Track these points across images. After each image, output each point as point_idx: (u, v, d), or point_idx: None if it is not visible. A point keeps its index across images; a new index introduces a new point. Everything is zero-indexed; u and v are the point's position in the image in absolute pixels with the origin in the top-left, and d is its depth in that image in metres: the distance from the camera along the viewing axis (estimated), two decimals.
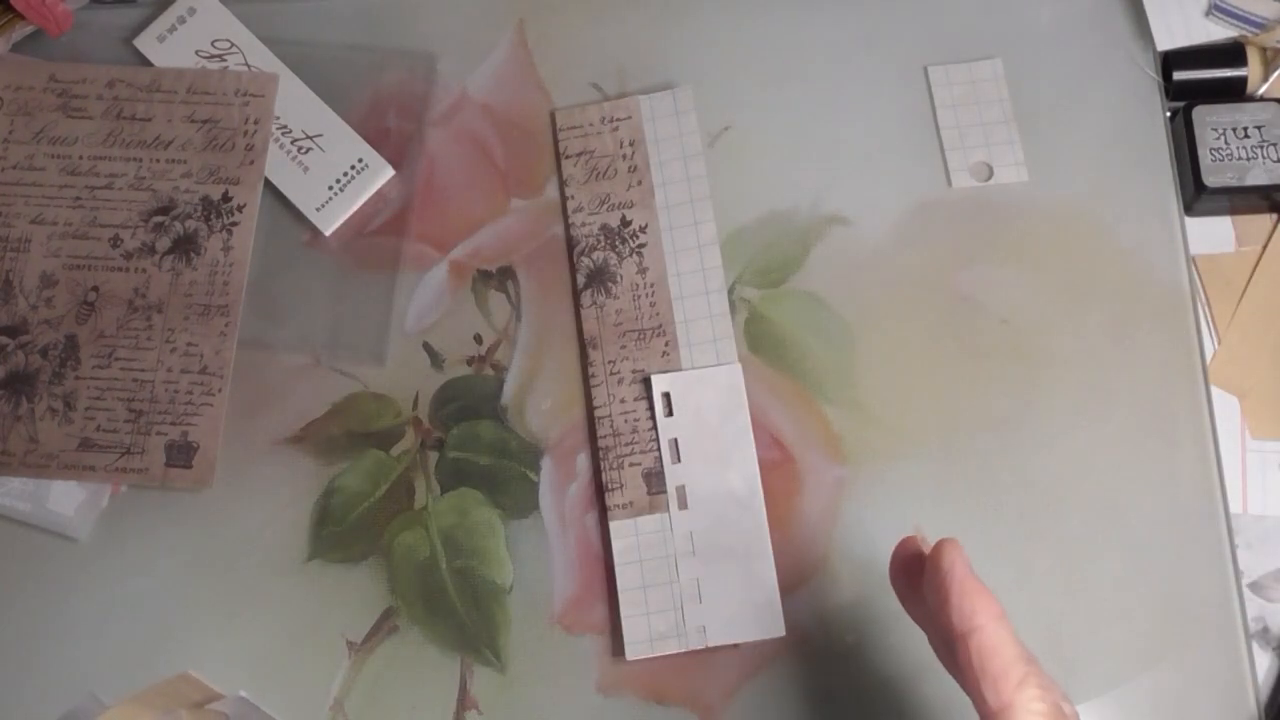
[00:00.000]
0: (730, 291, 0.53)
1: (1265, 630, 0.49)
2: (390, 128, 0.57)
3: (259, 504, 0.51)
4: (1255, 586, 0.50)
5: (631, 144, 0.55)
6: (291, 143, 0.56)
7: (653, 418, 0.51)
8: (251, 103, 0.56)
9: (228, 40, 0.57)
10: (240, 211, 0.55)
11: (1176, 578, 0.49)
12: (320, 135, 0.56)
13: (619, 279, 0.53)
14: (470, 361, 0.53)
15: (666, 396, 0.51)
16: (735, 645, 0.49)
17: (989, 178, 0.55)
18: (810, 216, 0.54)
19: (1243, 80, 0.55)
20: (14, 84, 0.56)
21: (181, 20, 0.57)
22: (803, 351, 0.53)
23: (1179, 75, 0.56)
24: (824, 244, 0.54)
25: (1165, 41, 0.56)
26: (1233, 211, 0.55)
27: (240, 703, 0.42)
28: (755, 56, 0.57)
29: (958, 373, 0.52)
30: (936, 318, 0.53)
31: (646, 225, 0.54)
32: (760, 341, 0.53)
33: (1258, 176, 0.53)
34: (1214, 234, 0.55)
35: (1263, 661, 0.49)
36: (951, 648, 0.36)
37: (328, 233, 0.55)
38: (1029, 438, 0.51)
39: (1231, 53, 0.56)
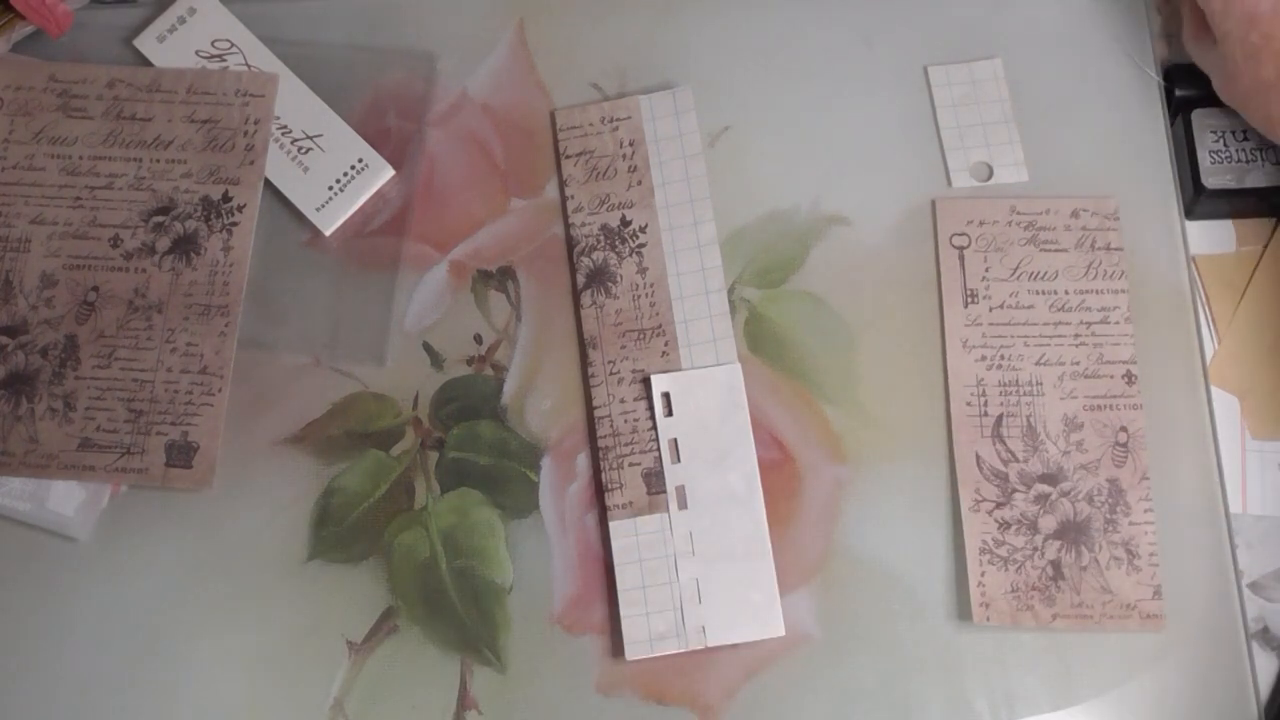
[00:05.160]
0: (730, 291, 0.53)
1: (1265, 630, 0.49)
2: (390, 128, 0.57)
3: (259, 504, 0.51)
4: (1255, 586, 0.50)
5: (631, 144, 0.55)
6: (291, 143, 0.56)
7: (652, 418, 0.51)
8: (251, 103, 0.56)
9: (228, 40, 0.57)
10: (240, 211, 0.55)
11: (1176, 578, 0.49)
12: (320, 135, 0.56)
13: (619, 279, 0.53)
14: (470, 361, 0.53)
15: (666, 396, 0.51)
16: (735, 645, 0.49)
17: (989, 178, 0.55)
18: (810, 216, 0.54)
19: None
20: (14, 84, 0.56)
21: (181, 20, 0.57)
22: (803, 351, 0.53)
23: (1178, 77, 0.56)
24: (824, 244, 0.54)
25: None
26: (1232, 214, 0.54)
27: None
28: (755, 56, 0.57)
29: None
30: (936, 317, 0.53)
31: (646, 225, 0.54)
32: (760, 341, 0.53)
33: (1257, 179, 0.53)
34: (1214, 234, 0.55)
35: (1263, 661, 0.49)
36: None
37: (328, 233, 0.55)
38: None
39: None
